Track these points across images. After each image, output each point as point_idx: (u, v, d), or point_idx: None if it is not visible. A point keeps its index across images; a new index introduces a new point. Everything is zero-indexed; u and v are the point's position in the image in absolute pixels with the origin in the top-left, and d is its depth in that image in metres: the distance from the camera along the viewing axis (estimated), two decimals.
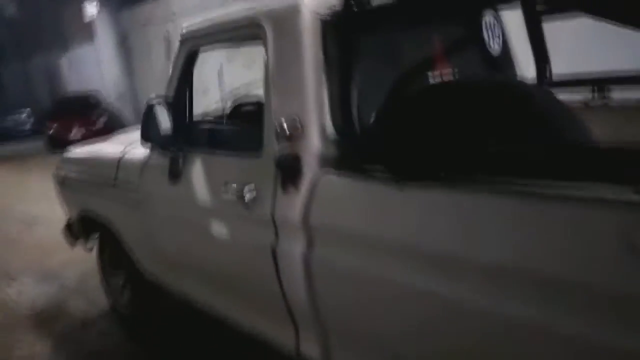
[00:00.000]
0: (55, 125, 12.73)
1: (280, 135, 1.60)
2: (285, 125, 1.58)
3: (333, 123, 1.57)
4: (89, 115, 13.03)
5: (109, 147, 2.92)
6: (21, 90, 18.53)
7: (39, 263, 4.32)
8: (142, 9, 13.08)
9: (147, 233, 2.38)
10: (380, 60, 1.67)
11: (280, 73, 1.65)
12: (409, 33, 1.85)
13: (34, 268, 4.23)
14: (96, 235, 3.17)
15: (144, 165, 2.33)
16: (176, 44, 2.17)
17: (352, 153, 1.49)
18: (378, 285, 1.39)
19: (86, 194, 2.90)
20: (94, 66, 15.07)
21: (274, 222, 1.65)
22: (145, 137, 2.07)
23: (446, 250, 1.21)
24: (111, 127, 13.30)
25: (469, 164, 1.18)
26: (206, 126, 2.20)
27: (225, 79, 10.46)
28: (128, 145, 2.61)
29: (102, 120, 13.09)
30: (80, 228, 3.13)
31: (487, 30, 2.39)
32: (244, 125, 1.93)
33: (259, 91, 2.83)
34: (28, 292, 3.78)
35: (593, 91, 2.23)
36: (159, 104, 2.01)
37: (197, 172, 2.00)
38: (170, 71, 2.16)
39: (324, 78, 1.59)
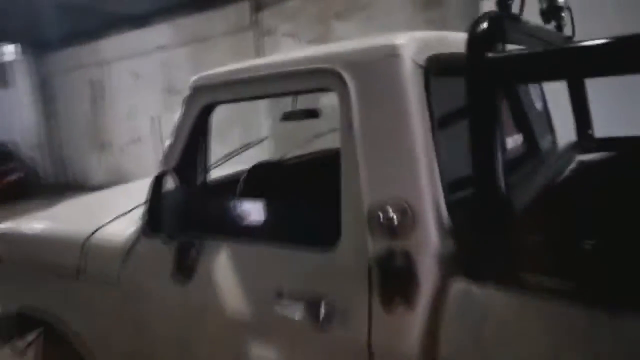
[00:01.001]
0: None
1: (376, 224, 1.13)
2: (389, 211, 1.11)
3: (454, 209, 1.13)
4: (0, 168, 11.60)
5: (64, 223, 2.25)
6: None
7: None
8: (66, 54, 12.11)
9: (132, 344, 1.74)
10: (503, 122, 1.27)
11: (373, 138, 1.19)
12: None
13: None
14: (33, 335, 2.45)
15: (128, 251, 1.73)
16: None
17: (495, 254, 1.05)
18: None
19: (29, 286, 2.19)
20: (9, 113, 13.66)
21: (370, 353, 1.14)
22: (154, 223, 1.50)
23: None
24: (26, 181, 11.90)
25: None
26: (234, 203, 1.66)
27: (162, 128, 9.77)
28: (95, 222, 2.00)
29: (15, 174, 11.70)
30: (14, 326, 2.38)
31: (533, 86, 2.13)
32: (297, 203, 1.44)
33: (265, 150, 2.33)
34: None
35: None
36: (171, 174, 1.46)
37: (223, 268, 1.45)
38: (174, 132, 1.62)
39: (435, 146, 1.15)
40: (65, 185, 12.31)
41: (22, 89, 12.98)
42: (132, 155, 10.74)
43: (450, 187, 1.15)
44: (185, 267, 1.51)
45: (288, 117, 2.29)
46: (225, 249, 1.46)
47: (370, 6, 6.84)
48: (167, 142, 1.63)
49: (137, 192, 2.79)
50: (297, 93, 1.42)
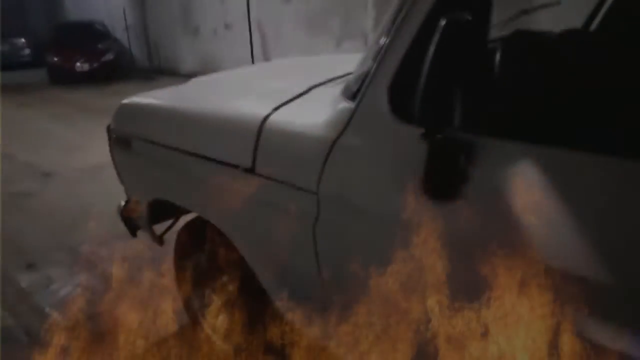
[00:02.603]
0: (57, 55, 11.18)
1: None
2: None
3: None
4: (95, 46, 11.53)
5: (228, 98, 1.79)
6: (14, 16, 16.23)
7: (62, 239, 3.22)
8: None
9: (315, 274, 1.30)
10: None
11: None
12: None
13: (57, 247, 3.13)
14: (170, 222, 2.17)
15: (333, 145, 1.22)
16: None
17: None
18: None
19: (181, 178, 1.78)
20: None
21: None
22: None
23: None
24: (120, 61, 11.81)
25: None
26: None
27: (256, 14, 9.00)
28: (270, 99, 1.51)
29: (110, 53, 11.62)
30: (151, 214, 2.04)
31: None
32: None
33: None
34: (55, 286, 2.70)
35: None
36: (465, 24, 0.88)
37: (526, 187, 0.90)
38: None
39: None
40: (156, 69, 12.15)
41: None
42: (224, 41, 10.16)
43: None
44: (453, 179, 0.98)
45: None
46: (539, 156, 0.90)
47: None
48: None
49: (290, 73, 2.27)
50: None
